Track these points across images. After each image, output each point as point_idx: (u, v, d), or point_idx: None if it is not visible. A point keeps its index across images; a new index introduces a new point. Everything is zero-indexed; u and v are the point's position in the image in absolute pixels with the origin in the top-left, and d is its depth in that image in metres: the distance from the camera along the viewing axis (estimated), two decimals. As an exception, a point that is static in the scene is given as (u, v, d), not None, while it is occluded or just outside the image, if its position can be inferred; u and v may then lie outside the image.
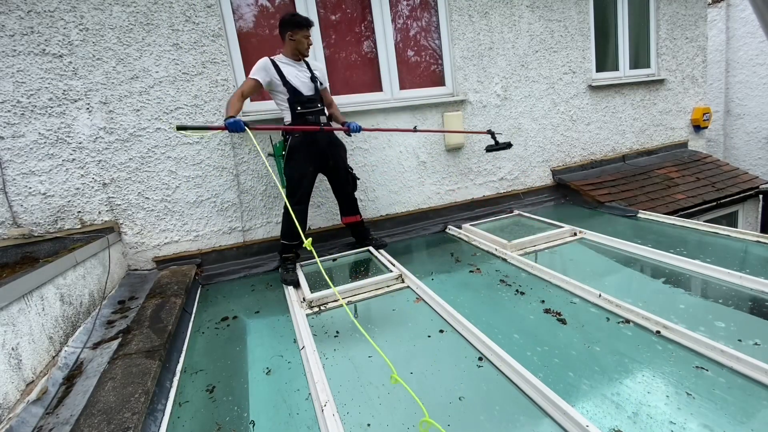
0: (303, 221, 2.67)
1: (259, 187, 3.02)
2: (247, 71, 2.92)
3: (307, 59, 2.66)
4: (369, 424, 1.35)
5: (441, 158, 3.60)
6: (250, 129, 2.29)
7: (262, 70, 2.48)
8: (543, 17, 3.86)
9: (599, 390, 1.41)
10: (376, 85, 3.35)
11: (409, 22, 3.43)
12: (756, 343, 1.60)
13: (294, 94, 2.53)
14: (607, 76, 4.34)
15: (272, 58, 2.53)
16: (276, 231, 3.08)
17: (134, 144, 2.66)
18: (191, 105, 2.76)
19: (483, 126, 3.71)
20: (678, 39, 4.73)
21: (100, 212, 2.65)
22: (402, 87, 3.42)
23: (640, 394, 1.38)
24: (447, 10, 3.46)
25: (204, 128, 2.59)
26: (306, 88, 2.58)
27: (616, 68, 4.42)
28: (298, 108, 2.55)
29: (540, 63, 3.90)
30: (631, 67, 4.50)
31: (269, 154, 2.91)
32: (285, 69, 2.51)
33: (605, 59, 4.36)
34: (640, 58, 4.60)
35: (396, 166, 3.44)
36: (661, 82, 4.67)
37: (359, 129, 2.68)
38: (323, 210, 3.23)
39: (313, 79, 2.62)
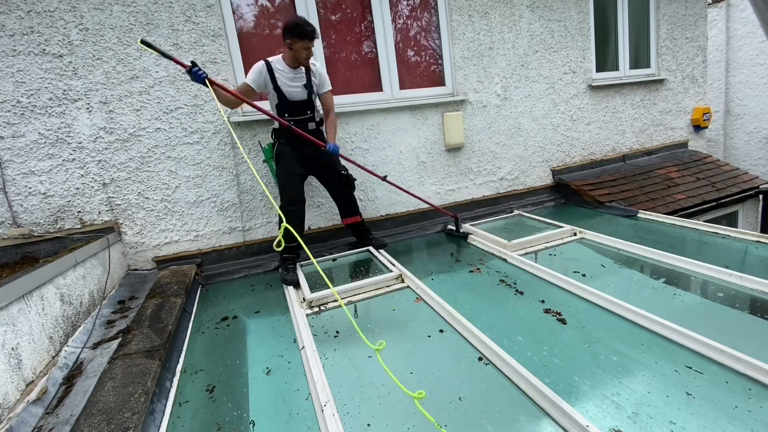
0: (300, 221, 2.66)
1: (259, 187, 3.02)
2: (246, 71, 2.91)
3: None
4: (369, 424, 1.35)
5: (441, 158, 3.60)
6: (211, 85, 2.21)
7: (255, 72, 2.47)
8: (543, 17, 3.85)
9: (599, 390, 1.41)
10: (376, 85, 3.35)
11: (409, 22, 3.43)
12: (756, 343, 1.60)
13: (282, 100, 2.51)
14: (607, 76, 4.34)
15: (269, 60, 2.50)
16: (276, 231, 3.08)
17: (134, 144, 2.66)
18: (191, 105, 2.76)
19: (483, 126, 3.71)
20: (678, 39, 4.73)
21: (100, 212, 2.65)
22: (402, 87, 3.42)
23: (640, 394, 1.38)
24: (447, 10, 3.46)
25: (166, 55, 2.16)
26: (297, 95, 2.55)
27: (616, 68, 4.42)
28: (285, 115, 2.54)
29: (540, 63, 3.90)
30: (631, 67, 4.50)
31: (263, 161, 2.91)
32: (279, 74, 2.48)
33: (605, 59, 4.36)
34: (640, 58, 4.60)
35: (396, 166, 3.44)
36: (661, 82, 4.67)
37: (336, 152, 2.60)
38: (323, 210, 3.23)
39: (307, 86, 2.57)
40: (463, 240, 3.18)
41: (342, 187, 2.82)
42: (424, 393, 1.12)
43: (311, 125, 2.65)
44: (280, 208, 2.57)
